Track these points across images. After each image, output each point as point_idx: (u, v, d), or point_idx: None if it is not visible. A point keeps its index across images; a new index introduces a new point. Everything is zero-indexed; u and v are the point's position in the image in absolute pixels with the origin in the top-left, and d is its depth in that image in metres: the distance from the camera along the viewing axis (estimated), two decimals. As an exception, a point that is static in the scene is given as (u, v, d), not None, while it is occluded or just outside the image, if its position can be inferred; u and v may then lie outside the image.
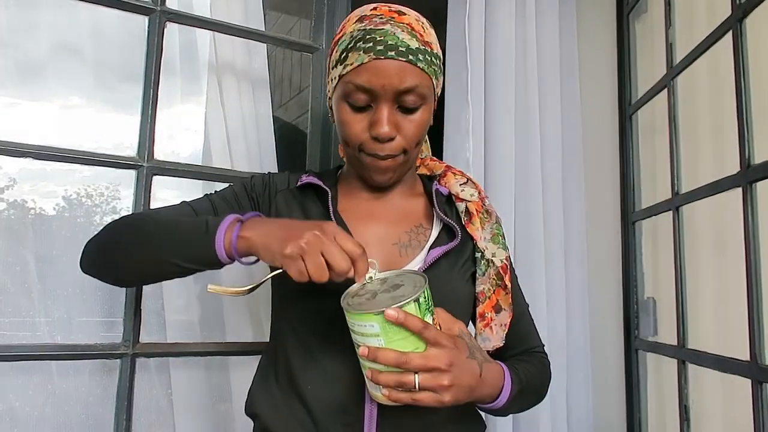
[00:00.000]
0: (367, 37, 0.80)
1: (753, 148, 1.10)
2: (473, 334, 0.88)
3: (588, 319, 1.62)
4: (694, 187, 1.30)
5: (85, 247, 0.86)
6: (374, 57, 0.79)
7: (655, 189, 1.53)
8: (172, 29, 1.21)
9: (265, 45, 1.38)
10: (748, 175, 1.09)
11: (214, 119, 1.28)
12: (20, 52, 1.14)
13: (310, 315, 0.83)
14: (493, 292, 0.90)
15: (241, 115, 1.32)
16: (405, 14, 0.84)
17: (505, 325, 0.90)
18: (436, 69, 0.85)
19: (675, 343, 1.35)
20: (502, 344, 0.90)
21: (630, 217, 1.61)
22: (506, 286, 0.90)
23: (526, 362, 0.91)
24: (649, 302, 1.54)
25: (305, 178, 0.93)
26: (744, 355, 1.08)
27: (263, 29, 1.34)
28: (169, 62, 1.21)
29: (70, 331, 1.11)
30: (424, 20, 0.87)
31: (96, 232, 0.86)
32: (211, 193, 0.94)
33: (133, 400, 1.08)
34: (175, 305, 1.21)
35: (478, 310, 0.90)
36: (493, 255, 0.90)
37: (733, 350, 1.15)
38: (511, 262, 0.95)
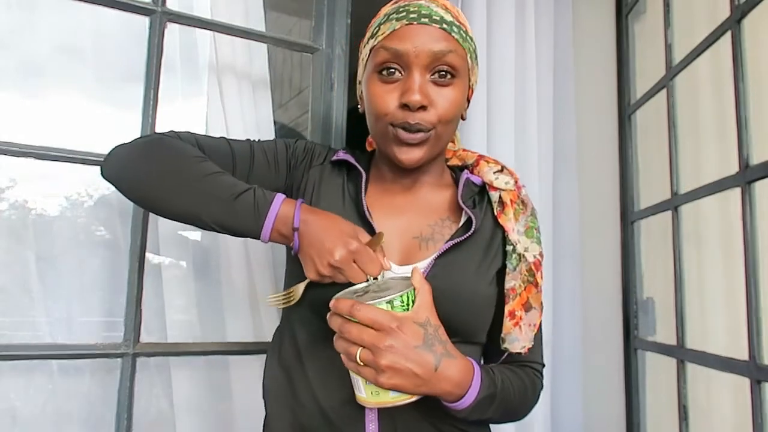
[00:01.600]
0: (401, 9, 0.81)
1: (751, 148, 1.11)
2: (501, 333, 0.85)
3: (581, 319, 1.63)
4: (693, 188, 1.30)
5: (114, 151, 0.83)
6: (406, 23, 0.79)
7: (655, 189, 1.53)
8: (172, 30, 1.21)
9: (266, 45, 1.38)
10: (746, 175, 1.10)
11: (215, 120, 1.28)
12: (21, 52, 1.14)
13: (321, 304, 0.83)
14: (524, 289, 0.85)
15: (241, 116, 1.32)
16: None
17: (535, 325, 0.86)
18: (470, 48, 0.83)
19: (674, 342, 1.35)
20: (531, 345, 0.86)
21: (629, 217, 1.62)
22: (537, 283, 0.85)
23: (512, 372, 0.85)
24: (648, 302, 1.54)
25: (342, 155, 0.91)
26: (743, 354, 1.09)
27: (263, 30, 1.34)
28: (170, 63, 1.21)
29: (70, 330, 1.11)
30: (459, 11, 0.86)
31: (132, 140, 0.83)
32: (254, 141, 0.93)
33: (134, 399, 1.08)
34: (175, 305, 1.21)
35: (507, 308, 0.85)
36: (526, 249, 0.86)
37: (732, 350, 1.15)
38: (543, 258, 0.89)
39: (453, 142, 1.01)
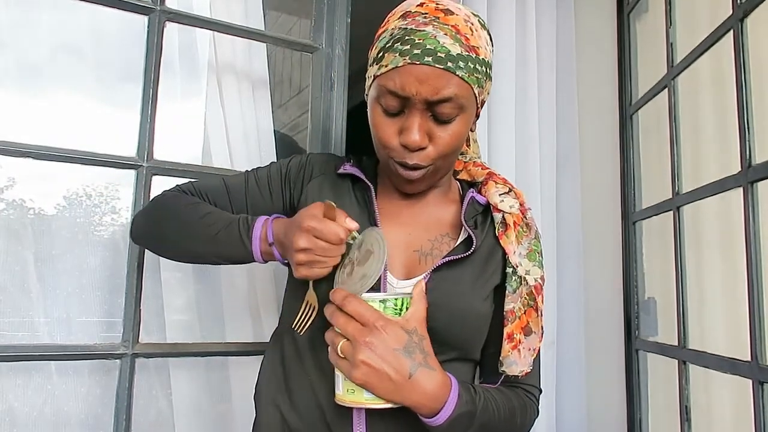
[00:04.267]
0: (406, 38, 0.75)
1: (754, 147, 1.10)
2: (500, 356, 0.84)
3: (584, 319, 1.62)
4: (695, 187, 1.30)
5: (134, 219, 0.96)
6: (409, 61, 0.74)
7: (656, 189, 1.52)
8: (171, 29, 1.21)
9: (265, 45, 1.38)
10: (748, 175, 1.09)
11: (214, 119, 1.28)
12: (20, 52, 1.14)
13: (319, 302, 0.83)
14: (524, 313, 0.83)
15: (241, 115, 1.32)
16: (453, 14, 0.77)
17: (534, 349, 0.84)
18: (480, 77, 0.79)
19: (675, 343, 1.35)
20: (530, 370, 0.84)
21: (630, 217, 1.61)
22: (538, 307, 0.83)
23: (502, 393, 0.82)
24: (649, 302, 1.54)
25: (348, 168, 0.90)
26: (745, 355, 1.08)
27: (263, 29, 1.34)
28: (169, 62, 1.21)
29: (69, 331, 1.11)
30: (474, 21, 0.80)
31: (145, 205, 0.95)
32: (250, 171, 0.95)
33: (133, 400, 1.07)
34: (175, 305, 1.21)
35: (506, 330, 0.83)
36: (527, 272, 0.84)
37: (733, 350, 1.15)
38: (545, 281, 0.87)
39: (468, 146, 1.00)
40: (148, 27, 1.13)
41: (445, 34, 0.75)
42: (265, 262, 0.82)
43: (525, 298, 0.83)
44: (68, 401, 1.10)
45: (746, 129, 1.11)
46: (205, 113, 1.27)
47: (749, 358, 1.07)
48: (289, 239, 0.74)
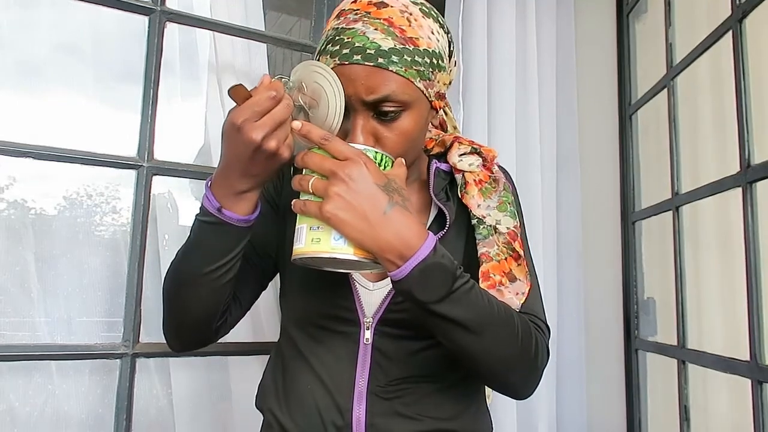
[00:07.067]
0: (336, 38, 0.73)
1: (753, 148, 1.10)
2: None
3: (584, 319, 1.62)
4: (694, 188, 1.30)
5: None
6: (338, 62, 0.72)
7: (655, 189, 1.53)
8: (172, 29, 1.21)
9: (265, 45, 1.38)
10: (747, 175, 1.09)
11: (214, 119, 1.28)
12: (20, 52, 1.14)
13: (303, 316, 0.83)
14: (504, 260, 0.80)
15: (241, 115, 1.32)
16: (387, 6, 0.73)
17: (524, 293, 0.80)
18: (423, 69, 0.74)
19: (675, 343, 1.35)
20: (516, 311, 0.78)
21: (630, 217, 1.62)
22: (519, 255, 0.80)
23: (505, 305, 0.75)
24: (649, 302, 1.54)
25: None
26: (744, 355, 1.08)
27: (263, 29, 1.34)
28: (169, 62, 1.21)
29: (70, 331, 1.11)
30: (414, 9, 0.75)
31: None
32: None
33: (133, 400, 1.08)
34: (175, 305, 1.21)
35: (481, 269, 0.78)
36: (498, 222, 0.81)
37: (733, 350, 1.15)
38: (524, 231, 0.85)
39: (437, 126, 0.96)
40: (148, 27, 1.14)
41: (376, 29, 0.72)
42: (247, 218, 0.72)
43: (501, 246, 0.81)
44: (68, 401, 1.10)
45: (745, 129, 1.11)
46: (205, 113, 1.28)
47: (748, 358, 1.07)
48: (245, 149, 0.66)
